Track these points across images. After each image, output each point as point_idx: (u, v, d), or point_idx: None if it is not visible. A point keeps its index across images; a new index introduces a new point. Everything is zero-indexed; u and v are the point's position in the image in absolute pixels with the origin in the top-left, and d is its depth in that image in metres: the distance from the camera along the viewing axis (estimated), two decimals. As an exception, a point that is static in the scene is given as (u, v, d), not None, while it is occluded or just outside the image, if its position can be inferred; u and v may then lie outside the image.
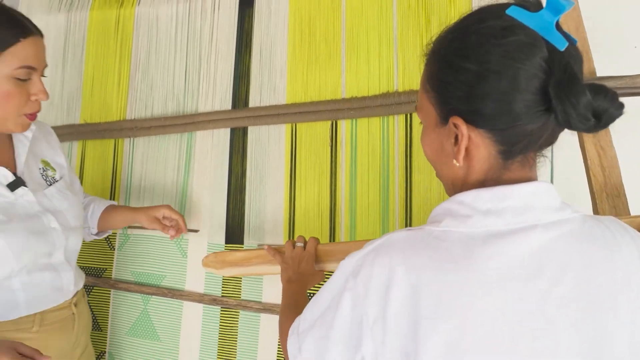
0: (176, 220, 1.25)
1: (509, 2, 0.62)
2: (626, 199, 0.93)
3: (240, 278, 1.31)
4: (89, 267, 1.48)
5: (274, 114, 1.29)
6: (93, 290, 1.47)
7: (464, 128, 0.61)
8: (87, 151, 1.51)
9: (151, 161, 1.43)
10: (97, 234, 1.29)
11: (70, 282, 1.11)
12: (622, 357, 0.57)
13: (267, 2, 1.34)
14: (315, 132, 1.27)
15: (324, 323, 0.65)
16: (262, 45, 1.34)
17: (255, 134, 1.33)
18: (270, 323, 1.28)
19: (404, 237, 0.63)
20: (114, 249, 1.45)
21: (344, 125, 1.25)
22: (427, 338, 0.56)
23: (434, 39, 0.68)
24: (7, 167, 0.99)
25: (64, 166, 1.18)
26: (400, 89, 1.20)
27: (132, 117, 1.45)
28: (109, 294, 1.45)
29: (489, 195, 0.61)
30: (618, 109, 0.57)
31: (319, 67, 1.27)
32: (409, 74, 1.20)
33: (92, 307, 1.46)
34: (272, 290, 1.28)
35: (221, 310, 1.32)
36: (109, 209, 1.29)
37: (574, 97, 0.55)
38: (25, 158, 1.05)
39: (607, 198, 0.94)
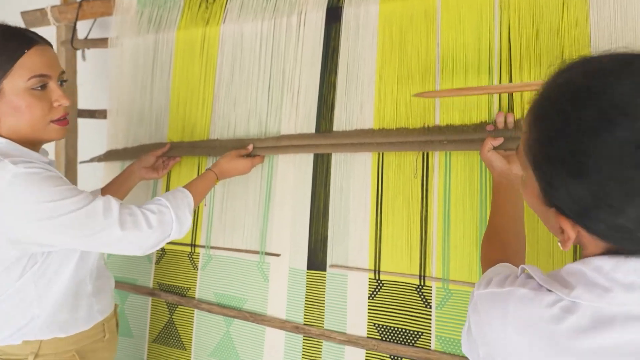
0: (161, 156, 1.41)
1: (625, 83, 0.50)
2: None
3: (324, 305, 1.25)
4: (173, 285, 1.49)
5: (358, 143, 1.21)
6: (177, 309, 1.48)
7: (571, 233, 0.55)
8: (174, 167, 1.52)
9: (233, 181, 1.41)
10: None
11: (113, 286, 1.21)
12: None
13: (356, 16, 1.27)
14: (404, 162, 1.18)
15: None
16: (349, 62, 1.27)
17: (340, 158, 1.26)
18: (356, 359, 1.21)
19: (526, 298, 0.57)
20: (197, 269, 1.45)
21: (437, 157, 1.15)
22: None
23: (542, 91, 0.57)
24: None
25: None
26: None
27: (215, 137, 1.44)
28: (193, 313, 1.45)
29: (634, 264, 0.52)
30: None
31: (409, 86, 1.18)
32: (516, 99, 1.07)
33: (177, 325, 1.47)
34: (357, 319, 1.21)
35: (304, 339, 1.27)
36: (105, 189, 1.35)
37: None
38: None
39: None
